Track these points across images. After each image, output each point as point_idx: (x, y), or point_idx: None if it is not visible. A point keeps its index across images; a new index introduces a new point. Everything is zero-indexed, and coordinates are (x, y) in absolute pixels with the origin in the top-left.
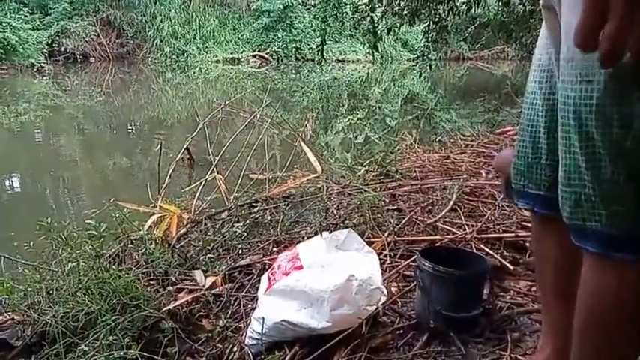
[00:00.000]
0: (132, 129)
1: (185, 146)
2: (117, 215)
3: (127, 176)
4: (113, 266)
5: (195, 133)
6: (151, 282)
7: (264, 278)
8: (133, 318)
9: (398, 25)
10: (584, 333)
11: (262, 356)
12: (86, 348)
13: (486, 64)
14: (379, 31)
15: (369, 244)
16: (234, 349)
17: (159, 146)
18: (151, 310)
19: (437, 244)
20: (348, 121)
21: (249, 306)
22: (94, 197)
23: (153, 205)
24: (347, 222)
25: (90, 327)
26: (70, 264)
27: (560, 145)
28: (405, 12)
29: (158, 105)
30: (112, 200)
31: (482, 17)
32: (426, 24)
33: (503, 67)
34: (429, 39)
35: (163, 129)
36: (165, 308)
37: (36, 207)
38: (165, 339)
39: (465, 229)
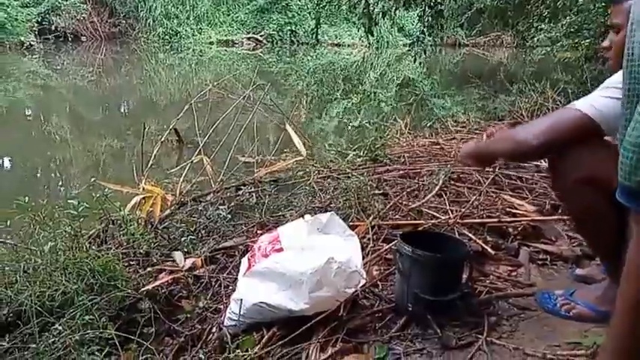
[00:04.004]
0: (124, 110)
1: (171, 127)
2: (97, 196)
3: (117, 157)
4: (93, 246)
5: (181, 114)
6: (131, 263)
7: (244, 260)
8: (111, 298)
9: (393, 8)
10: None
11: (240, 337)
12: (60, 328)
13: (482, 51)
14: (374, 15)
15: (353, 227)
16: (213, 329)
17: (143, 127)
18: (129, 291)
19: (419, 229)
20: (342, 105)
21: (230, 288)
22: (83, 177)
23: (138, 186)
24: (332, 206)
25: (67, 307)
26: (49, 243)
27: None
28: None
29: (151, 86)
30: (92, 179)
31: (479, 3)
32: (422, 8)
33: (499, 54)
34: (425, 24)
35: (156, 110)
36: (143, 289)
37: (24, 186)
38: (143, 319)
39: (449, 214)
